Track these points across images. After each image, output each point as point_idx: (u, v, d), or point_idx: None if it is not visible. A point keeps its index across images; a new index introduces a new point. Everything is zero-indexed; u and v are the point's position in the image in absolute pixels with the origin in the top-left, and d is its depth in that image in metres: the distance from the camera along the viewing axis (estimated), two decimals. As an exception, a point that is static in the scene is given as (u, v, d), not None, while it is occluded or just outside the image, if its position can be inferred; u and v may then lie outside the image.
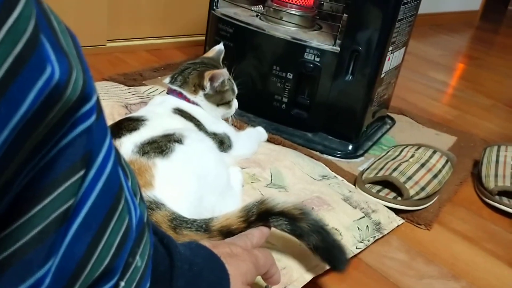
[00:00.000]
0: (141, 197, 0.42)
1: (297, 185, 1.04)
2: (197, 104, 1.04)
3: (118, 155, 0.37)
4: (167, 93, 1.07)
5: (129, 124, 0.88)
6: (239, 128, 1.24)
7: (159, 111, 1.00)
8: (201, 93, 1.04)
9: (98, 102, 0.32)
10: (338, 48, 1.27)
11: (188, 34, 1.96)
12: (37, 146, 0.28)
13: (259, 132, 1.22)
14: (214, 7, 1.45)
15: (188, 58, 1.80)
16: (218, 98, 1.07)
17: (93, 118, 0.31)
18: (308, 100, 1.33)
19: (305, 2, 1.37)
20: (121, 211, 0.35)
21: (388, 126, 1.55)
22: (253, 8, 1.47)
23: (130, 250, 0.37)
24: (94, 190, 0.32)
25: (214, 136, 1.03)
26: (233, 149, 1.07)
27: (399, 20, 1.27)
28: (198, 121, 1.01)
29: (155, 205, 0.74)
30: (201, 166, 0.85)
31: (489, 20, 3.70)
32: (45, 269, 0.30)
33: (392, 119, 1.59)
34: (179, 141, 0.84)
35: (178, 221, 0.73)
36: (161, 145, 0.82)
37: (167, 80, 1.07)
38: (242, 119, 1.37)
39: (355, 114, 1.33)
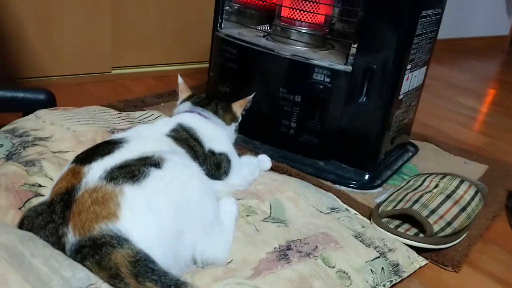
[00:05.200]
0: None
1: (300, 218, 0.91)
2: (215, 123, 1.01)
3: None
4: (180, 112, 1.02)
5: (104, 148, 0.78)
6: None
7: (149, 133, 0.90)
8: (234, 123, 1.06)
9: None
10: (350, 68, 1.15)
11: (196, 61, 1.88)
12: None
13: (261, 161, 1.09)
14: (218, 28, 1.36)
15: (196, 84, 1.72)
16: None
17: None
18: (318, 125, 1.21)
19: (315, 20, 1.27)
20: None
21: (410, 154, 1.41)
22: (259, 27, 1.37)
23: None
24: None
25: (212, 156, 0.92)
26: (229, 177, 0.95)
27: (418, 36, 1.14)
28: (197, 140, 0.91)
29: (116, 241, 0.62)
30: (182, 194, 0.73)
31: (520, 46, 3.54)
32: None
33: (414, 146, 1.45)
34: (157, 164, 0.73)
35: (142, 268, 0.60)
36: (133, 170, 0.70)
37: (186, 104, 1.03)
38: (247, 146, 1.26)
39: (371, 140, 1.20)
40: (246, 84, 1.29)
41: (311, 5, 1.24)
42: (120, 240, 0.62)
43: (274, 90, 1.24)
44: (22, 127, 0.95)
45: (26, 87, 1.35)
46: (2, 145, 0.90)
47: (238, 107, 1.05)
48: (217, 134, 0.97)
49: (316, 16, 1.26)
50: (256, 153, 1.18)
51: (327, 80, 1.17)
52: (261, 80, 1.27)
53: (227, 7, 1.37)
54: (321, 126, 1.21)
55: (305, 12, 1.25)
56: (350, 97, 1.17)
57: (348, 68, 1.15)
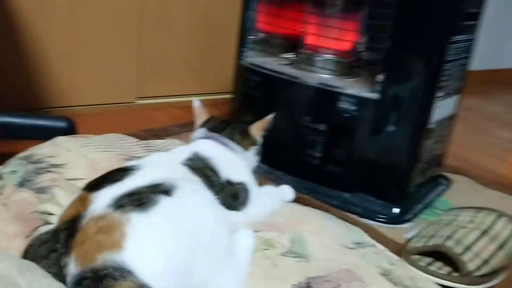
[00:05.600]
0: None
1: (323, 254, 0.85)
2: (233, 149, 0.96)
3: None
4: (199, 138, 0.97)
5: (115, 175, 0.74)
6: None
7: (164, 161, 0.87)
8: (253, 148, 0.99)
9: None
10: (378, 95, 1.10)
11: (221, 91, 1.87)
12: None
13: (282, 191, 1.04)
14: (242, 57, 1.34)
15: (220, 114, 1.69)
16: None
17: None
18: (344, 155, 1.16)
19: (341, 47, 1.23)
20: None
21: (443, 187, 1.33)
22: (283, 56, 1.34)
23: None
24: None
25: (228, 185, 0.88)
26: (247, 207, 0.90)
27: (449, 62, 1.09)
28: (213, 170, 0.87)
29: (119, 273, 0.57)
30: (193, 224, 0.68)
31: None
32: None
33: (448, 179, 1.37)
34: (167, 192, 0.69)
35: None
36: (142, 197, 0.67)
37: (202, 131, 0.99)
38: (270, 177, 1.21)
39: (400, 172, 1.14)
40: (269, 112, 1.25)
41: (337, 32, 1.21)
42: (123, 272, 0.58)
43: (298, 119, 1.20)
44: (38, 153, 0.94)
45: (48, 115, 1.35)
46: (16, 171, 0.88)
47: (257, 130, 1.00)
48: (234, 163, 0.93)
49: (342, 43, 1.22)
50: (279, 184, 1.13)
51: (354, 108, 1.13)
52: (284, 108, 1.24)
53: (252, 36, 1.35)
54: (347, 156, 1.16)
55: (331, 39, 1.21)
56: (377, 126, 1.12)
57: (376, 96, 1.11)
